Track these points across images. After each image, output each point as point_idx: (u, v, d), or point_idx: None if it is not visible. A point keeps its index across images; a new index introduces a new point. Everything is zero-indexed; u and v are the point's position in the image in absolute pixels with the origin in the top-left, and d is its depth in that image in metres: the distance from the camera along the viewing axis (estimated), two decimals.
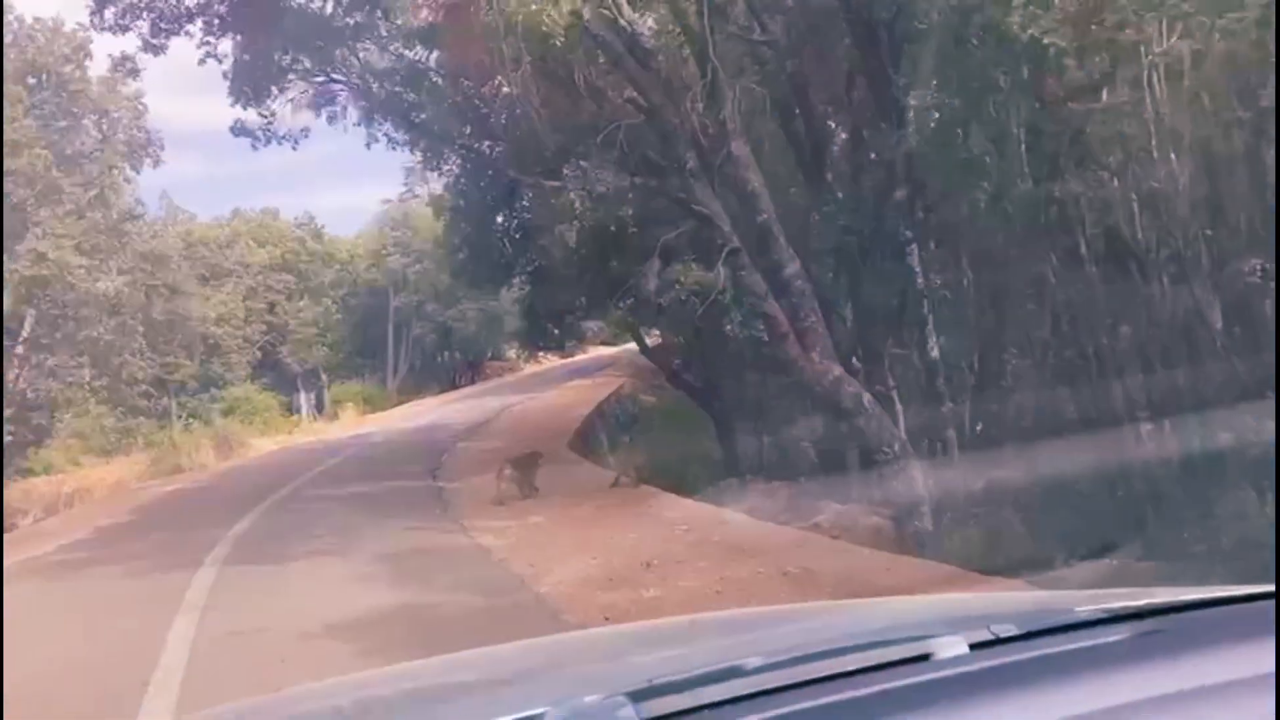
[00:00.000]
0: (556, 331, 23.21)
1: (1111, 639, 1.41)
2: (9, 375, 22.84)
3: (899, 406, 12.66)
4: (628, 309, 11.72)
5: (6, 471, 20.90)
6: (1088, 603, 1.60)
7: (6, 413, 21.61)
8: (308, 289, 47.88)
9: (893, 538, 12.92)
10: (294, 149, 16.05)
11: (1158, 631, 1.45)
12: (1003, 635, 1.43)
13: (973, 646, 1.39)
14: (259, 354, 44.83)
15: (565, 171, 13.42)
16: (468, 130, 15.23)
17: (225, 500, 16.81)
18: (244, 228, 47.93)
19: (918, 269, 13.47)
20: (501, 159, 19.09)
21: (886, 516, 14.30)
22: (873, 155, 13.31)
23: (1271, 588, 1.53)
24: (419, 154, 21.09)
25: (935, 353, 13.68)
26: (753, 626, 2.23)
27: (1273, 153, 10.62)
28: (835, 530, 13.68)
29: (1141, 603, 1.56)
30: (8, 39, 22.34)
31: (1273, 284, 11.79)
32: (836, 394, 11.86)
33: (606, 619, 6.68)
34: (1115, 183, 14.34)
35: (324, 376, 45.48)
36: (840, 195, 13.90)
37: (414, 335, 49.01)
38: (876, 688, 1.27)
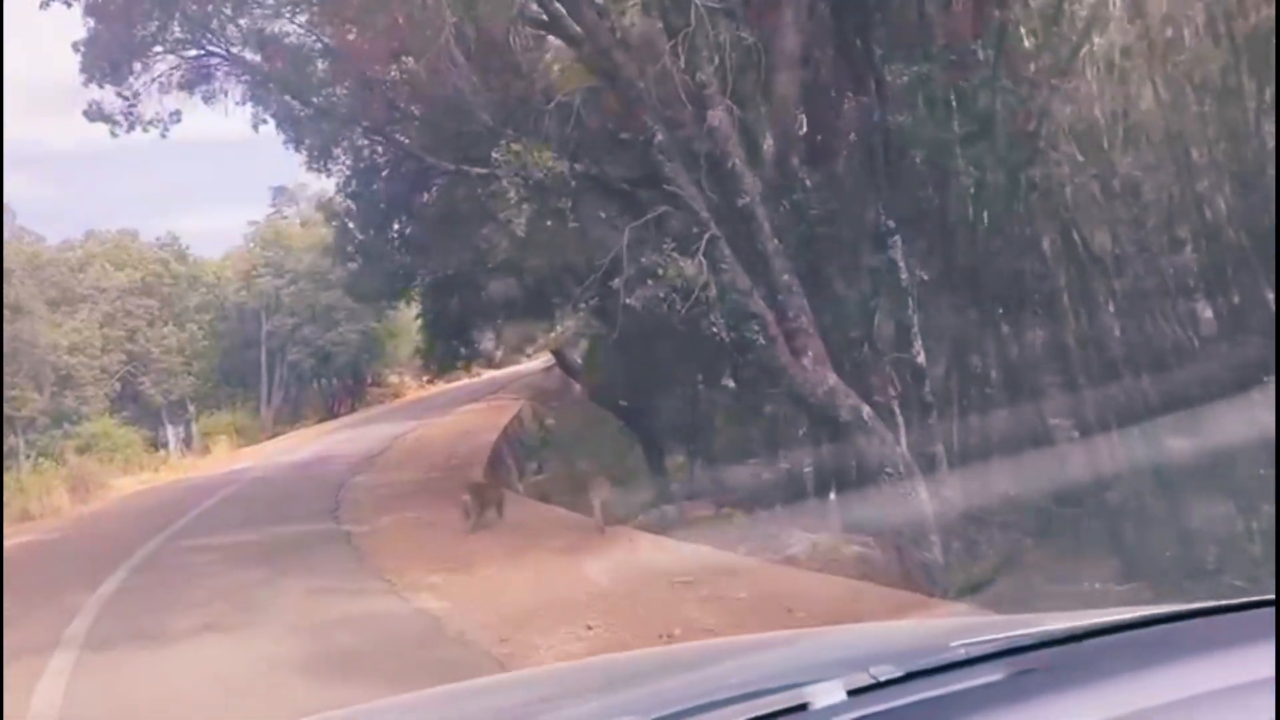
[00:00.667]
0: (463, 350, 20.97)
1: (989, 679, 1.41)
2: None
3: (899, 419, 10.92)
4: (589, 312, 9.58)
5: None
6: (964, 635, 1.61)
7: None
8: (172, 314, 44.22)
9: (889, 569, 11.25)
10: (163, 135, 13.50)
11: (1032, 670, 1.44)
12: (882, 679, 1.42)
13: (851, 692, 1.37)
14: (118, 385, 41.12)
15: (496, 156, 11.28)
16: (374, 107, 12.96)
17: (85, 555, 14.11)
18: (99, 249, 44.10)
19: (901, 263, 11.81)
20: (406, 150, 16.88)
21: (870, 545, 12.68)
22: (852, 136, 11.59)
23: (1149, 611, 1.61)
24: (304, 152, 18.59)
25: (921, 358, 12.03)
26: (636, 676, 2.17)
27: None
28: (816, 563, 12.01)
29: (1018, 632, 1.60)
30: None
31: None
32: (832, 405, 10.06)
33: None
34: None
35: (191, 408, 41.94)
36: (810, 181, 12.13)
37: (289, 361, 45.70)
38: None
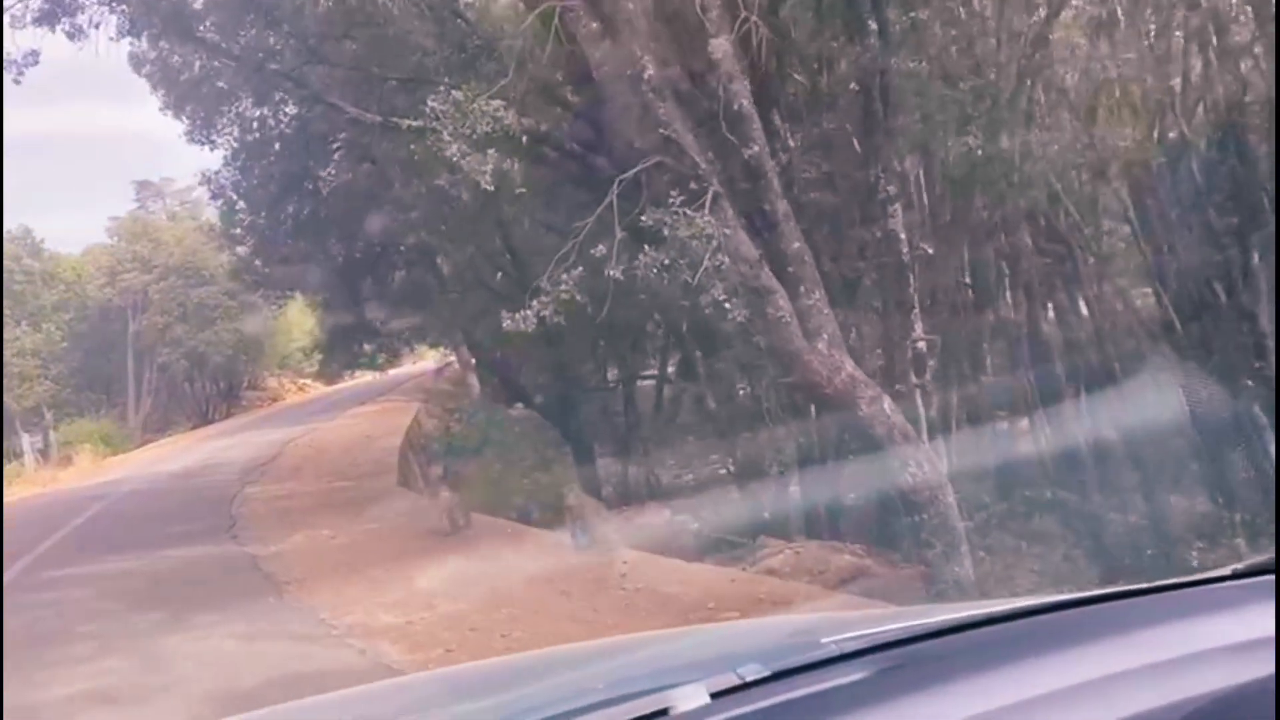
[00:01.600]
0: (367, 346, 18.90)
1: (856, 676, 1.38)
2: None
3: (921, 413, 9.45)
4: (571, 286, 7.80)
5: None
6: (839, 630, 1.58)
7: None
8: (25, 314, 40.49)
9: (891, 584, 9.82)
10: (16, 82, 11.20)
11: (900, 666, 1.42)
12: (749, 678, 1.39)
13: (715, 695, 1.34)
14: None
15: (433, 105, 9.41)
16: (278, 48, 10.88)
17: None
18: None
19: (902, 234, 10.37)
20: (318, 99, 14.79)
21: (861, 554, 11.25)
22: (852, 85, 10.05)
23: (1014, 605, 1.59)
24: (186, 119, 16.31)
25: (921, 343, 10.62)
26: (495, 683, 2.11)
27: None
28: (802, 575, 10.60)
29: (896, 626, 1.57)
30: None
31: None
32: (850, 396, 8.52)
33: None
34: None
35: (49, 415, 38.41)
36: (794, 141, 10.59)
37: (159, 363, 42.38)
38: None
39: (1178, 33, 12.26)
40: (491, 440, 21.54)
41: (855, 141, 10.36)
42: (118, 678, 6.62)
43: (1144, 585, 1.60)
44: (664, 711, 1.30)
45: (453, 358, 33.15)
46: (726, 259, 7.62)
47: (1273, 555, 1.54)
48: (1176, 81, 12.07)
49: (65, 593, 10.12)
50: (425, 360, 36.48)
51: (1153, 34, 12.23)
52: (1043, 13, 11.95)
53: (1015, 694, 1.26)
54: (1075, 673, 1.30)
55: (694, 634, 3.02)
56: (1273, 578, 1.47)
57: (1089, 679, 1.28)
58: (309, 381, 53.22)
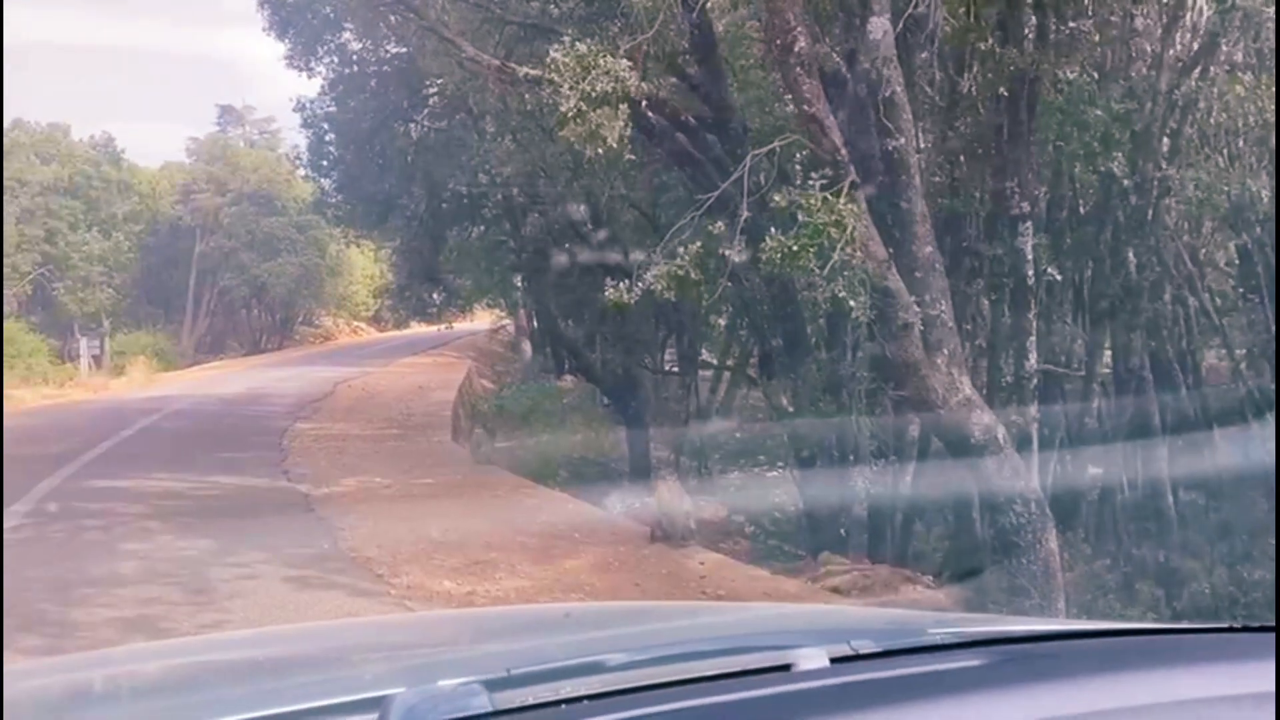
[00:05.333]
0: (436, 297, 18.52)
1: (967, 663, 1.41)
2: None
3: (1035, 447, 8.84)
4: (686, 262, 7.26)
5: None
6: (941, 625, 1.68)
7: None
8: (97, 220, 40.68)
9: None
10: None
11: (1009, 660, 1.44)
12: (863, 651, 1.43)
13: (833, 660, 1.38)
14: (29, 289, 37.73)
15: (554, 55, 8.91)
16: None
17: None
18: (26, 140, 40.40)
19: (1029, 255, 9.73)
20: (409, 50, 14.40)
21: (932, 587, 10.66)
22: (1001, 90, 9.35)
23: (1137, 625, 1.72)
24: (289, 41, 15.98)
25: (1033, 360, 9.95)
26: (624, 620, 2.21)
27: None
28: (871, 600, 10.04)
29: (997, 628, 1.64)
30: None
31: None
32: (964, 421, 7.93)
33: None
34: None
35: (107, 323, 38.58)
36: (924, 141, 9.96)
37: (220, 287, 42.47)
38: (737, 695, 1.27)
39: None
40: (541, 409, 21.16)
41: (992, 150, 9.71)
42: (163, 608, 6.21)
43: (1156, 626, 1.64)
44: (785, 667, 1.34)
45: (508, 320, 32.76)
46: (858, 253, 7.04)
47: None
48: None
49: (111, 507, 9.78)
50: (479, 319, 36.02)
51: None
52: (1196, 45, 11.27)
53: (1127, 699, 1.26)
54: (1180, 691, 1.29)
55: (801, 610, 3.20)
56: (1272, 636, 1.45)
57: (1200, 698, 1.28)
58: (363, 325, 53.40)
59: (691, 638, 1.68)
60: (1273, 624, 1.51)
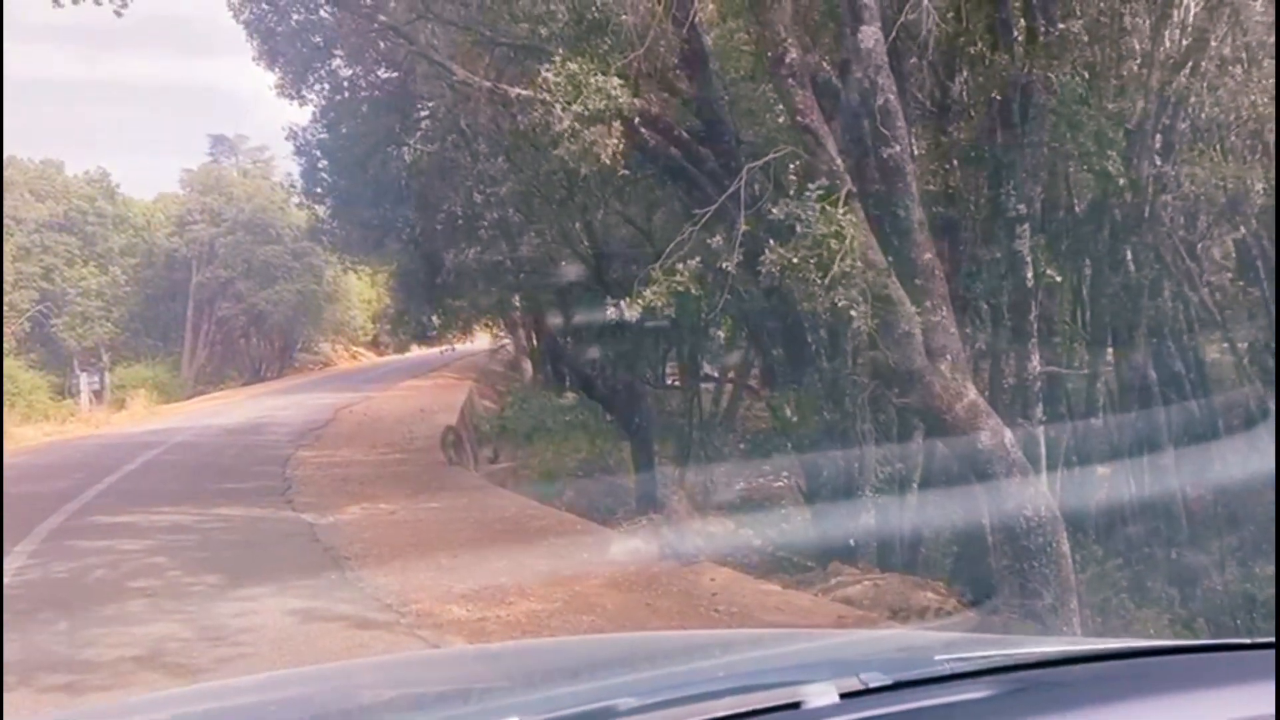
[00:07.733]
0: (435, 319, 18.46)
1: (977, 695, 1.40)
2: None
3: (1043, 450, 8.80)
4: (686, 277, 7.23)
5: None
6: (950, 650, 1.64)
7: None
8: (94, 254, 40.74)
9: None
10: (118, 14, 10.81)
11: (1020, 689, 1.44)
12: (872, 685, 1.42)
13: (843, 696, 1.37)
14: (27, 326, 37.71)
15: (546, 74, 8.91)
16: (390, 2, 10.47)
17: None
18: (20, 178, 40.42)
19: (1027, 258, 9.70)
20: (399, 75, 14.41)
21: (944, 594, 10.60)
22: (994, 95, 9.35)
23: (1123, 644, 1.67)
24: (279, 70, 15.96)
25: (1036, 362, 9.89)
26: (633, 653, 2.21)
27: None
28: (883, 609, 9.96)
29: (1005, 652, 1.63)
30: None
31: None
32: (972, 428, 7.89)
33: None
34: None
35: (106, 357, 38.60)
36: (918, 147, 9.96)
37: (218, 316, 42.47)
38: None
39: None
40: (544, 427, 21.10)
41: (987, 154, 9.69)
42: (174, 644, 6.16)
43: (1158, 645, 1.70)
44: (794, 705, 1.33)
45: (508, 340, 32.74)
46: (858, 262, 7.02)
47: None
48: None
49: (116, 544, 9.74)
50: (477, 339, 36.03)
51: None
52: (1185, 42, 11.27)
53: None
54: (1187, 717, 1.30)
55: (811, 636, 3.16)
56: (1272, 653, 1.46)
57: None
58: (361, 350, 53.40)
59: (701, 677, 1.69)
60: (1273, 640, 1.53)
